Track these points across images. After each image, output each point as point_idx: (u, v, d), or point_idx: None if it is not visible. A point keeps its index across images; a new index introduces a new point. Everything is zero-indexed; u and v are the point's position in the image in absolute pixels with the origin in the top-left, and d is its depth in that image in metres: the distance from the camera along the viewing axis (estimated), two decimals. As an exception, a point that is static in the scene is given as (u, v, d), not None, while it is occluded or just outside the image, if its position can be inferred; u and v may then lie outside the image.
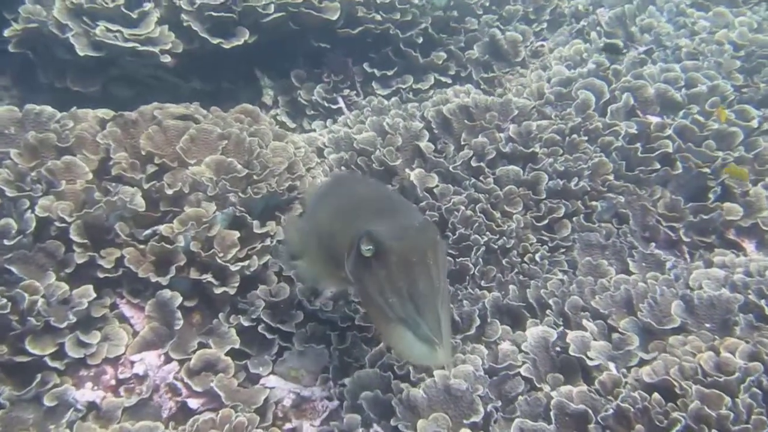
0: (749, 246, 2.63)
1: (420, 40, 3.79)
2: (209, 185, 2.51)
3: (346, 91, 3.76)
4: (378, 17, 3.71)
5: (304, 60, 3.88)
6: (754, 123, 2.93)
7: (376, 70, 3.79)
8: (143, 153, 2.63)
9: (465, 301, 2.46)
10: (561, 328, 2.28)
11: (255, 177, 2.62)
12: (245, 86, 3.91)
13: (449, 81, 3.81)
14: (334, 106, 3.69)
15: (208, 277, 2.37)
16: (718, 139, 2.88)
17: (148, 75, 3.70)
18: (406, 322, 1.38)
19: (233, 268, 2.38)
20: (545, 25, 4.17)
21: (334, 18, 3.55)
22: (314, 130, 3.65)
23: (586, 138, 2.91)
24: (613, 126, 2.95)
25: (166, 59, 3.40)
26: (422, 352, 1.37)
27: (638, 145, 2.85)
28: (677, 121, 2.92)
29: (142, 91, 3.73)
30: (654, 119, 3.04)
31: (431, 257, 1.42)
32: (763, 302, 2.16)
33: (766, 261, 2.44)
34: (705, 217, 2.63)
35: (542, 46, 4.01)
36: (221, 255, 2.38)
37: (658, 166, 2.80)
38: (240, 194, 2.53)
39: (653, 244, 2.66)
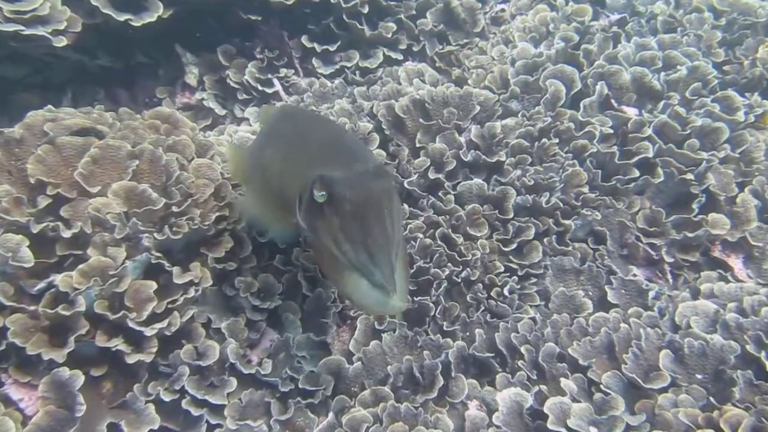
0: (736, 263, 2.38)
1: (366, 9, 3.28)
2: (117, 224, 2.07)
3: (283, 71, 3.27)
4: (316, -18, 3.18)
5: (233, 33, 3.34)
6: (740, 115, 2.61)
7: (316, 45, 3.29)
8: (32, 181, 2.15)
9: (426, 351, 2.14)
10: (536, 388, 2.00)
11: (174, 209, 2.19)
12: (165, 61, 3.38)
13: (400, 57, 3.35)
14: (269, 90, 3.20)
15: (118, 344, 1.98)
16: (701, 136, 2.56)
17: (43, 53, 3.12)
18: (360, 270, 1.34)
19: (149, 332, 1.99)
20: (505, -13, 3.69)
21: (264, -13, 3.02)
22: (247, 119, 3.17)
23: (557, 141, 2.55)
24: (586, 125, 2.59)
25: (61, 42, 2.83)
26: (377, 300, 1.35)
27: (615, 148, 2.51)
28: (657, 118, 2.58)
29: (40, 67, 3.18)
30: (630, 111, 2.70)
31: (386, 204, 1.38)
32: (762, 354, 1.90)
33: (758, 290, 2.19)
34: (689, 235, 2.34)
35: (503, 11, 3.55)
36: (134, 316, 1.99)
37: (637, 173, 2.47)
38: (156, 236, 2.10)
39: (633, 269, 2.37)
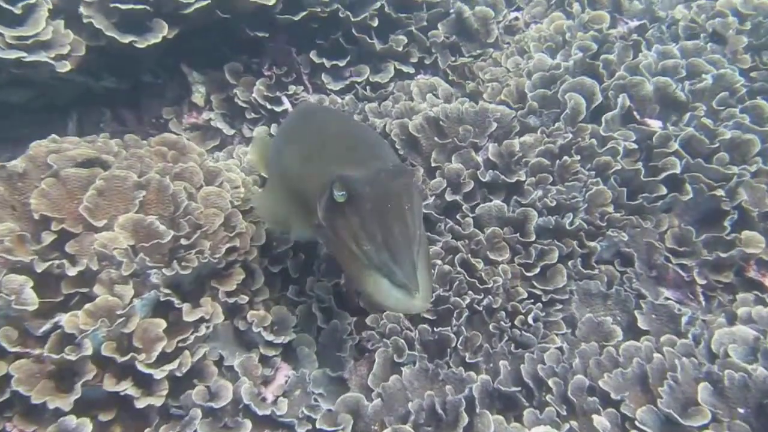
0: (772, 284, 2.25)
1: (375, 23, 3.19)
2: (124, 260, 1.99)
3: (292, 88, 3.18)
4: (323, -3, 3.09)
5: (239, 50, 3.25)
6: (772, 126, 2.49)
7: (325, 60, 3.20)
8: (36, 216, 2.08)
9: (448, 386, 2.04)
10: (567, 426, 1.89)
11: (183, 241, 2.10)
12: (171, 80, 3.29)
13: (412, 70, 3.25)
14: (278, 108, 3.12)
15: (127, 387, 1.90)
16: (730, 149, 2.44)
17: (47, 77, 3.05)
18: (382, 270, 1.34)
19: (159, 374, 1.90)
20: (518, -8, 3.58)
21: (271, 3, 2.93)
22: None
23: (578, 158, 2.44)
24: (609, 140, 2.48)
25: (65, 67, 2.76)
26: (399, 299, 1.34)
27: (640, 165, 2.40)
28: (683, 131, 2.46)
29: (43, 90, 3.11)
30: (654, 124, 2.58)
31: (406, 202, 1.38)
32: (807, 388, 1.79)
33: (799, 314, 2.06)
34: (722, 255, 2.22)
35: (516, 19, 3.44)
36: (143, 358, 1.90)
37: (664, 190, 2.36)
38: (164, 271, 2.02)
39: (663, 291, 2.26)
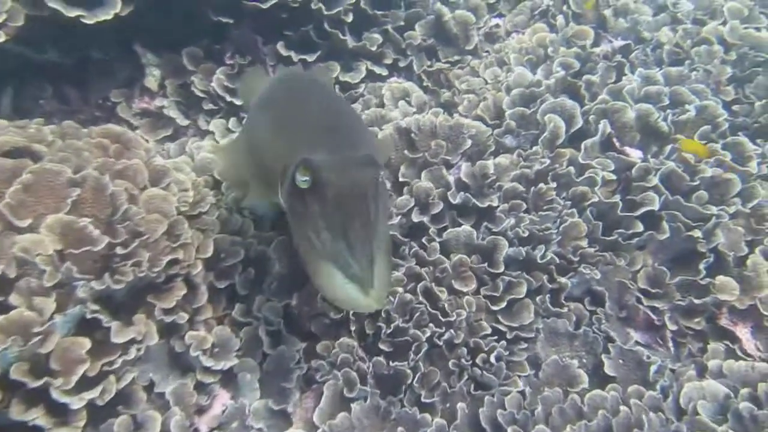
0: (744, 333, 2.17)
1: (350, 18, 2.98)
2: (47, 269, 1.76)
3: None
4: (296, -16, 2.87)
5: (201, 33, 3.00)
6: (753, 165, 2.40)
7: (293, 53, 2.97)
8: (-52, 213, 1.83)
9: (400, 427, 1.88)
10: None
11: (119, 250, 1.88)
12: (123, 59, 3.01)
13: (385, 72, 3.06)
14: (238, 101, 2.88)
15: (37, 417, 1.68)
16: (710, 187, 2.34)
17: (-23, 46, 2.75)
18: (337, 261, 1.30)
19: (77, 404, 1.69)
20: (502, -5, 3.42)
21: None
22: (213, 133, 2.85)
23: (554, 185, 2.30)
24: (587, 169, 2.35)
25: (-1, 37, 2.47)
26: (350, 295, 1.30)
27: (617, 198, 2.27)
28: (663, 165, 2.35)
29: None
30: (634, 154, 2.47)
31: (371, 194, 1.34)
32: (780, 458, 1.69)
33: (770, 371, 1.98)
34: (696, 301, 2.12)
35: (497, 26, 3.28)
36: (60, 383, 1.68)
37: (641, 227, 2.24)
38: (93, 284, 1.79)
39: (632, 333, 2.14)
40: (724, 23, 3.01)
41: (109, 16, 2.50)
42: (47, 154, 1.99)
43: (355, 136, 1.54)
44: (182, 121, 2.87)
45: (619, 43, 2.98)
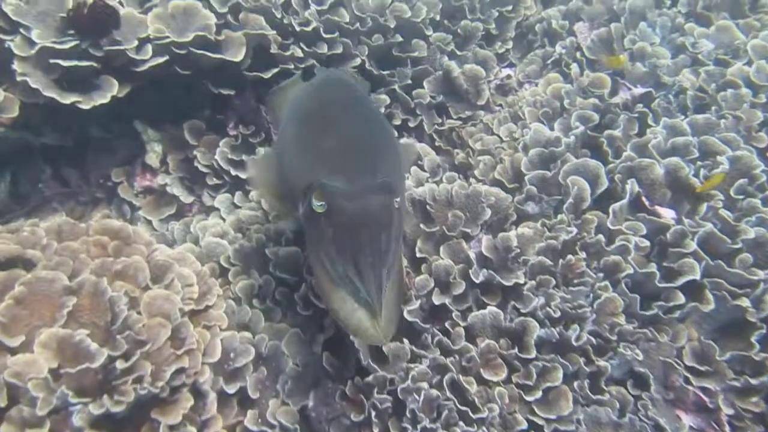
0: (805, 412, 1.96)
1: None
2: (41, 395, 1.62)
3: (260, 150, 2.84)
4: (298, 52, 2.77)
5: (202, 104, 2.90)
6: (795, 221, 2.22)
7: (298, 120, 2.86)
8: (-64, 333, 1.70)
9: None
10: None
11: (119, 364, 1.74)
12: (123, 134, 2.91)
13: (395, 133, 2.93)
14: (243, 174, 2.77)
15: None
16: (754, 248, 2.16)
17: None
18: (347, 287, 1.33)
19: None
20: (510, 44, 3.30)
21: (238, 59, 2.59)
22: (218, 209, 2.73)
23: (584, 255, 2.14)
24: (617, 234, 2.19)
25: (-8, 128, 2.39)
26: (361, 321, 1.32)
27: (654, 268, 2.11)
28: (700, 226, 2.18)
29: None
30: (667, 214, 2.30)
31: (384, 222, 1.35)
32: None
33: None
34: (752, 381, 1.93)
35: (509, 77, 3.16)
36: None
37: (682, 299, 2.06)
38: (91, 408, 1.65)
39: (683, 417, 1.95)
40: (748, 63, 2.86)
41: (107, 100, 2.41)
42: (41, 259, 1.87)
43: (377, 160, 1.52)
44: (186, 198, 2.76)
45: (638, 90, 2.83)
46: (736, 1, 3.23)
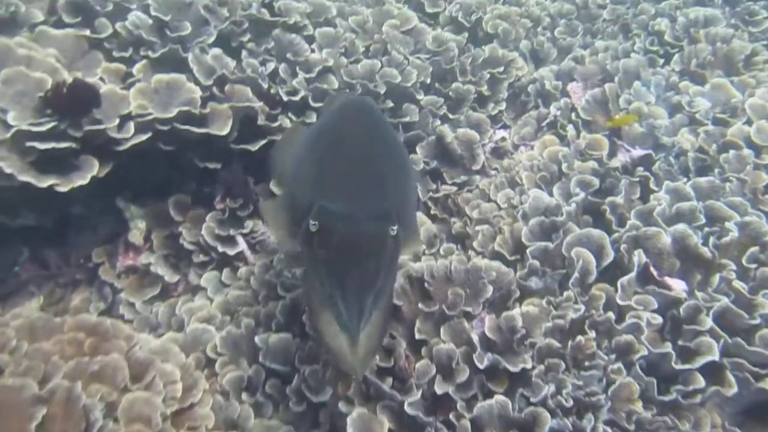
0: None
1: (345, 149, 2.77)
2: None
3: (249, 224, 2.72)
4: (287, 122, 2.69)
5: (188, 176, 2.80)
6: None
7: (287, 191, 2.76)
8: None
9: None
10: None
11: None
12: (106, 211, 2.79)
13: (388, 202, 2.83)
14: (231, 251, 2.64)
15: None
16: (771, 321, 2.04)
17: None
18: (331, 308, 1.31)
19: None
20: (504, 105, 3.24)
21: (224, 133, 2.50)
22: (205, 289, 2.59)
23: (593, 334, 2.01)
24: (628, 311, 2.07)
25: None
26: (340, 348, 1.30)
27: (669, 348, 1.98)
28: (715, 300, 2.06)
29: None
30: (677, 286, 2.19)
31: (376, 249, 1.35)
32: None
33: None
34: (782, 473, 1.78)
35: (504, 139, 3.08)
36: None
37: (702, 382, 1.93)
38: None
39: None
40: (748, 122, 2.80)
41: (86, 181, 2.30)
42: (9, 364, 1.72)
43: (383, 186, 1.53)
44: (171, 278, 2.62)
45: (638, 152, 2.76)
46: (730, 58, 3.21)
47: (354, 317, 1.28)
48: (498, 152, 3.06)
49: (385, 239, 1.37)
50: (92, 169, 2.32)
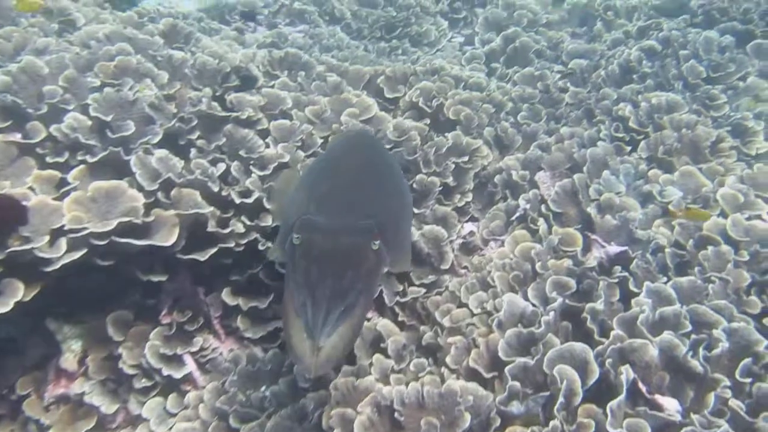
0: None
1: (304, 251, 2.57)
2: None
3: (198, 341, 2.46)
4: (240, 227, 2.48)
5: (130, 287, 2.54)
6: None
7: (241, 301, 2.53)
8: None
9: None
10: None
11: None
12: (35, 330, 2.49)
13: (351, 309, 2.61)
14: (177, 374, 2.37)
15: None
16: (776, 446, 1.86)
17: None
18: (300, 313, 1.35)
19: None
20: (470, 196, 3.10)
21: (169, 243, 2.28)
22: (147, 420, 2.30)
23: (585, 473, 1.79)
24: (622, 441, 1.86)
25: None
26: (300, 348, 1.33)
27: (671, 484, 1.77)
28: (714, 427, 1.87)
29: None
30: (671, 406, 2.00)
31: (352, 261, 1.41)
32: None
33: None
34: None
35: (472, 234, 2.93)
36: None
37: None
38: None
39: None
40: (722, 214, 2.71)
41: (8, 308, 2.03)
42: None
43: (370, 204, 1.60)
44: (108, 408, 2.33)
45: (613, 249, 2.62)
46: (696, 144, 3.16)
47: (317, 323, 1.32)
48: (467, 247, 2.90)
49: (364, 252, 1.43)
50: (16, 294, 2.06)
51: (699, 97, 3.60)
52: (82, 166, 2.41)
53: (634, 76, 3.80)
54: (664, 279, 2.47)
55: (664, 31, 4.09)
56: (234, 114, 2.81)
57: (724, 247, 2.53)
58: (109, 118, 2.52)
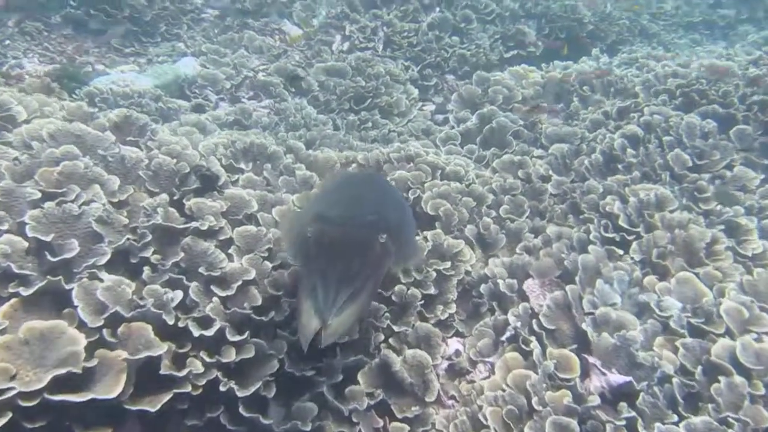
0: None
1: (273, 392, 2.27)
2: None
3: None
4: (198, 366, 2.16)
5: None
6: None
7: (199, 448, 2.18)
8: None
9: None
10: None
11: None
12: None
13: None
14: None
15: None
16: None
17: None
18: (311, 296, 1.55)
19: None
20: (453, 308, 2.84)
21: (113, 395, 1.96)
22: None
23: None
24: None
25: None
26: (309, 322, 1.53)
27: None
28: None
29: None
30: None
31: (361, 249, 1.57)
32: None
33: None
34: None
35: (458, 354, 2.66)
36: None
37: None
38: None
39: None
40: (728, 333, 2.50)
41: None
42: None
43: (378, 206, 1.72)
44: None
45: (616, 378, 2.38)
46: (690, 247, 2.97)
47: (328, 303, 1.48)
48: (453, 370, 2.63)
49: (372, 243, 1.58)
50: None
51: (687, 188, 3.45)
52: (13, 301, 2.07)
53: (620, 166, 3.64)
54: (676, 419, 2.23)
55: (645, 115, 3.97)
56: (193, 225, 2.52)
57: (737, 379, 2.30)
58: (49, 238, 2.20)
